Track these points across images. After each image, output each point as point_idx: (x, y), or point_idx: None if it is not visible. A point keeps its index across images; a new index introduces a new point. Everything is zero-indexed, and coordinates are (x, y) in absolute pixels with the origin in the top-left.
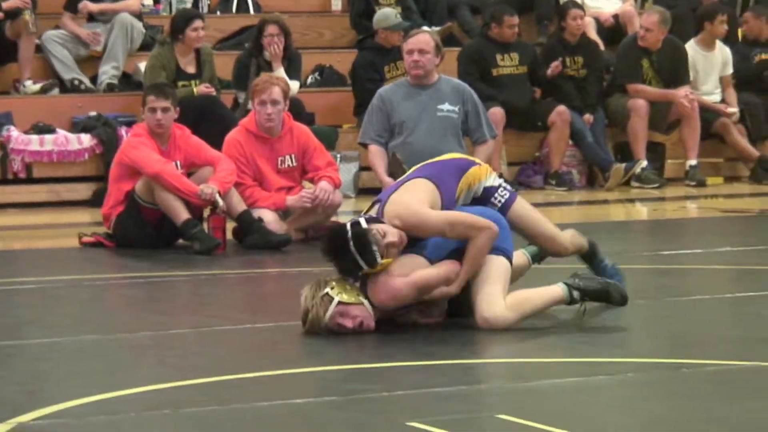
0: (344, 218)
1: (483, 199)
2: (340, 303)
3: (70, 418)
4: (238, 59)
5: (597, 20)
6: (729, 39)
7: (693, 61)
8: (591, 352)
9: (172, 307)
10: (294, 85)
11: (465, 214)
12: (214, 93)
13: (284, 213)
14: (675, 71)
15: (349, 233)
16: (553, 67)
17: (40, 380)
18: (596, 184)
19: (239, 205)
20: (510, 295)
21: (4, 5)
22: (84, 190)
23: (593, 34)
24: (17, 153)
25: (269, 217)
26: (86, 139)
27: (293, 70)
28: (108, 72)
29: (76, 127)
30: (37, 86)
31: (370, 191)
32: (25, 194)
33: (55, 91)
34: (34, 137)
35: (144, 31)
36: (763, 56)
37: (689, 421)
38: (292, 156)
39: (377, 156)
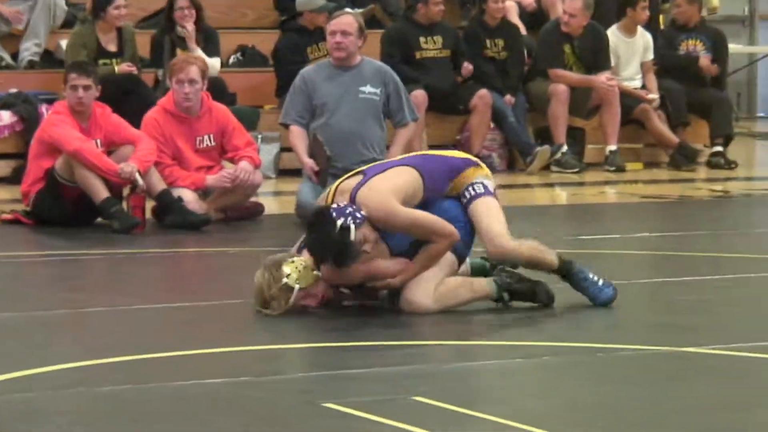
0: (264, 199)
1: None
2: (300, 289)
3: None
4: (153, 37)
5: (519, 5)
6: (650, 25)
7: (614, 47)
8: (508, 336)
9: (89, 285)
10: (214, 63)
11: (432, 217)
12: (136, 72)
13: (204, 192)
14: (596, 57)
15: (334, 234)
16: (465, 69)
17: None
18: (516, 168)
19: (159, 184)
20: (443, 282)
21: None
22: (3, 168)
23: (515, 19)
24: None
25: (189, 197)
26: (6, 116)
27: (211, 48)
28: (29, 49)
29: None
30: None
31: (290, 172)
32: None
33: None
34: None
35: (66, 8)
36: (690, 42)
37: (604, 405)
38: (211, 136)
39: (298, 137)
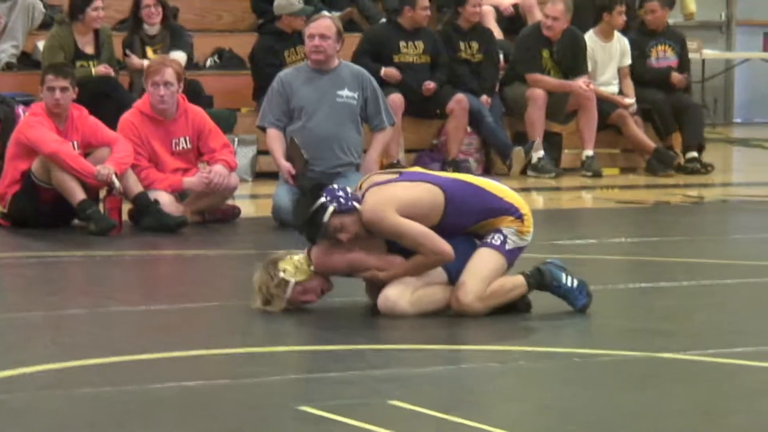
0: (241, 201)
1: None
2: (297, 284)
3: None
4: (123, 39)
5: (497, 9)
6: (627, 30)
7: (591, 52)
8: (484, 340)
9: (66, 287)
10: (180, 57)
11: (423, 233)
12: (113, 74)
13: (181, 195)
14: (574, 62)
15: (311, 207)
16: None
17: None
18: (493, 173)
19: (135, 187)
20: (423, 288)
21: None
22: None
23: (492, 23)
24: None
25: (165, 199)
26: None
27: (177, 42)
28: (7, 50)
29: None
30: None
31: (267, 175)
32: None
33: None
34: None
35: (44, 10)
36: (660, 48)
37: (579, 410)
38: (187, 138)
39: (275, 140)
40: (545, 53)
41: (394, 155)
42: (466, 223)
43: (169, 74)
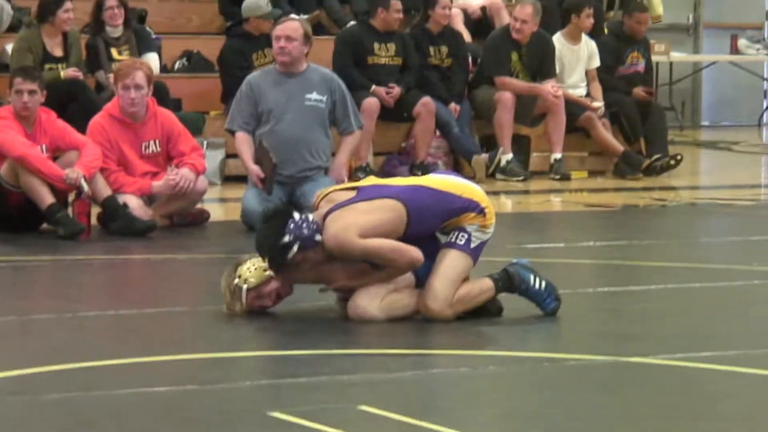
0: (209, 205)
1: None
2: (249, 290)
3: None
4: (86, 42)
5: (464, 12)
6: (595, 33)
7: (559, 55)
8: (453, 345)
9: (34, 291)
10: (153, 59)
11: (390, 247)
12: (81, 77)
13: (150, 199)
14: (542, 64)
15: (276, 244)
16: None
17: None
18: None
19: (104, 190)
20: (392, 293)
21: None
22: None
23: (460, 26)
24: None
25: (134, 203)
26: None
27: (145, 45)
28: None
29: None
30: None
31: (236, 179)
32: None
33: None
34: None
35: (12, 12)
36: (633, 55)
37: (549, 414)
38: (156, 141)
39: (244, 143)
40: (514, 56)
41: (364, 158)
42: (430, 227)
43: (140, 77)
